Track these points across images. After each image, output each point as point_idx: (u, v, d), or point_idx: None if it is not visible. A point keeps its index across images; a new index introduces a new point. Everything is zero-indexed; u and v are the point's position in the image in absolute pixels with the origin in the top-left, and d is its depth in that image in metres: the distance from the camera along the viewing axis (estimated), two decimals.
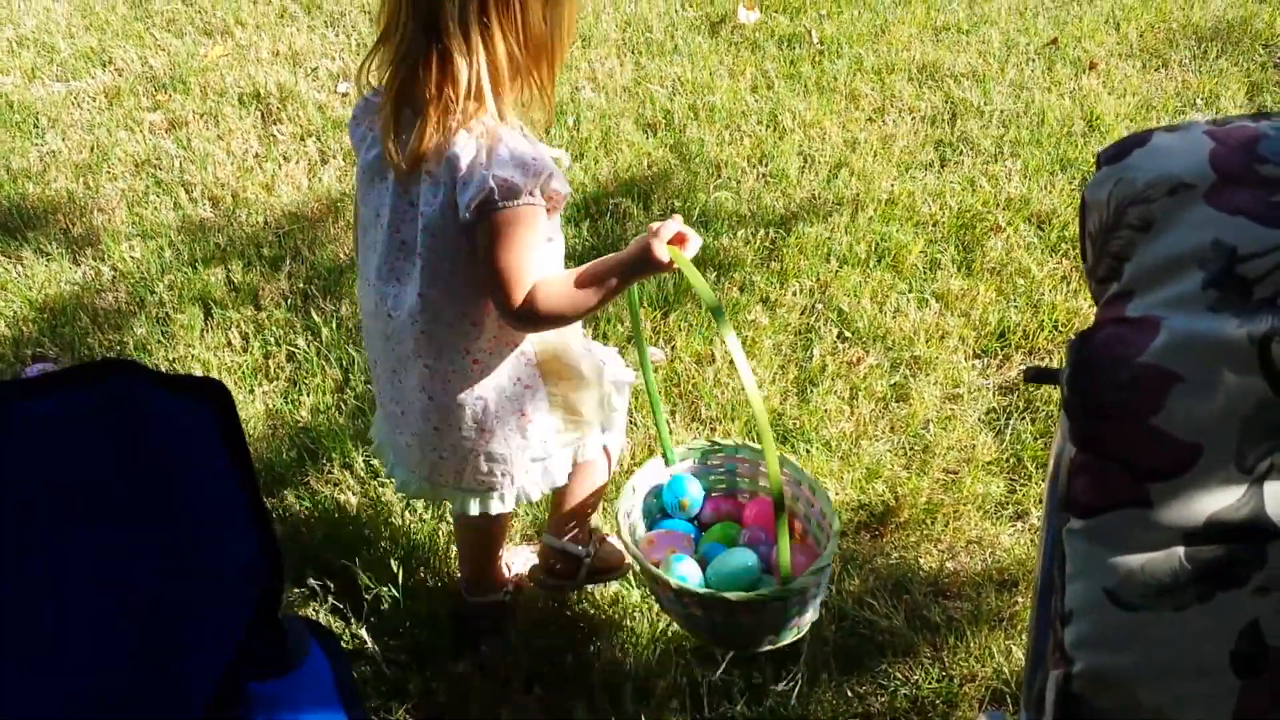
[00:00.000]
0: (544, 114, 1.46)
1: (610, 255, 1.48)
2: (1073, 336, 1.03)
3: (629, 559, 1.78)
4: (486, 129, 1.36)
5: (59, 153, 3.01)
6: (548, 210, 1.42)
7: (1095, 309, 1.07)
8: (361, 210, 1.52)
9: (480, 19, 1.31)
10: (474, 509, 1.62)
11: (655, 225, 1.45)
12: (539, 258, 1.43)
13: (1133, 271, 1.00)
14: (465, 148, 1.35)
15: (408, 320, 1.47)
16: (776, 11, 3.56)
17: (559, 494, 1.75)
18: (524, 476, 1.62)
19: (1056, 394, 2.29)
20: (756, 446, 1.79)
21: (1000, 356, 2.43)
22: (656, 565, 1.62)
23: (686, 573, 1.62)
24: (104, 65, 3.36)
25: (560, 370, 1.59)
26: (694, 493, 1.80)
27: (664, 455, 1.81)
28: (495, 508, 1.63)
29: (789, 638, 1.64)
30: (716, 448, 1.85)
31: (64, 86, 3.27)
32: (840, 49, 3.38)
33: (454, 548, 1.95)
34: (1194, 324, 0.94)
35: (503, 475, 1.60)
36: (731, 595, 1.54)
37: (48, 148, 3.03)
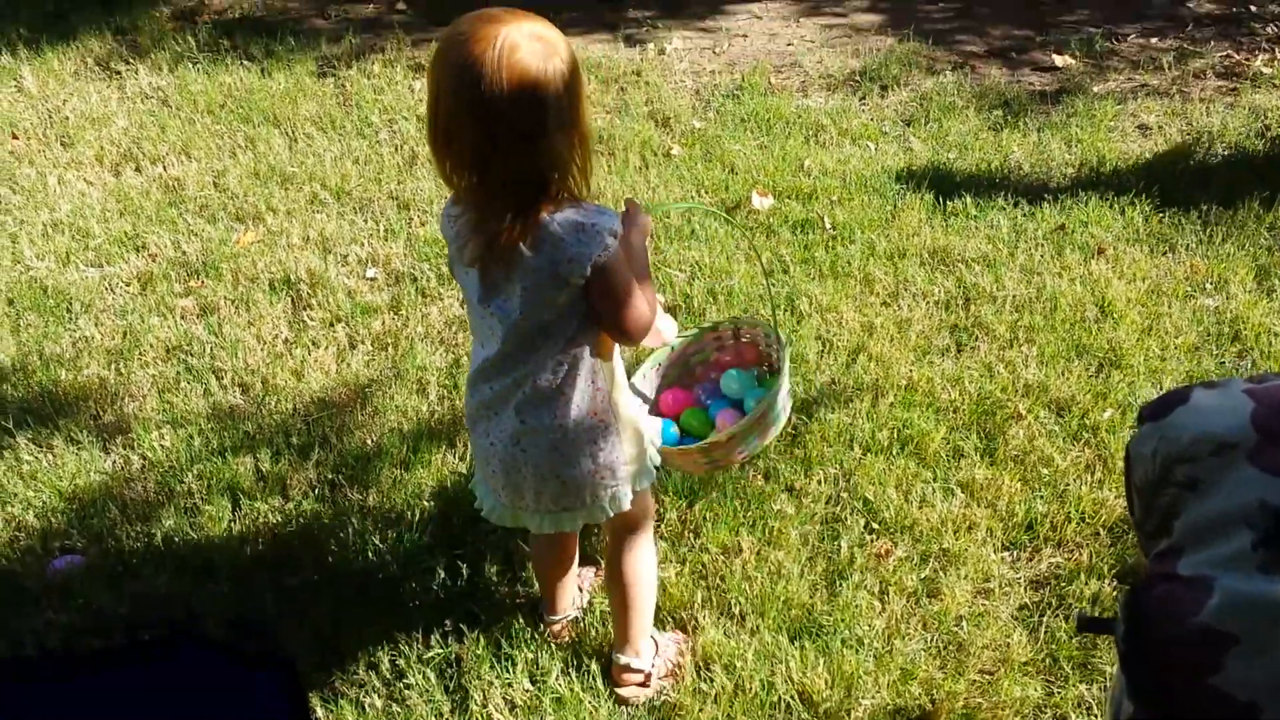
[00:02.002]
0: (587, 186, 1.68)
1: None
2: (1126, 591, 1.04)
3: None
4: (565, 206, 1.61)
5: (91, 338, 3.07)
6: None
7: (1145, 559, 1.09)
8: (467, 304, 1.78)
9: (551, 127, 1.54)
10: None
11: (624, 214, 1.76)
12: None
13: (1182, 529, 1.02)
14: (559, 225, 1.60)
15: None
16: (789, 198, 3.68)
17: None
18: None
19: (1087, 589, 2.29)
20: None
21: (1030, 549, 2.43)
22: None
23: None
24: (138, 250, 3.46)
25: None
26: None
27: None
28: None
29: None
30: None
31: (98, 271, 3.36)
32: (852, 234, 3.47)
33: None
34: (1247, 585, 0.96)
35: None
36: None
37: (80, 333, 3.10)
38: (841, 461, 2.63)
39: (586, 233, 1.61)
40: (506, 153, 1.54)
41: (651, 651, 2.16)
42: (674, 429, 2.24)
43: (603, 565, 2.19)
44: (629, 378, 2.18)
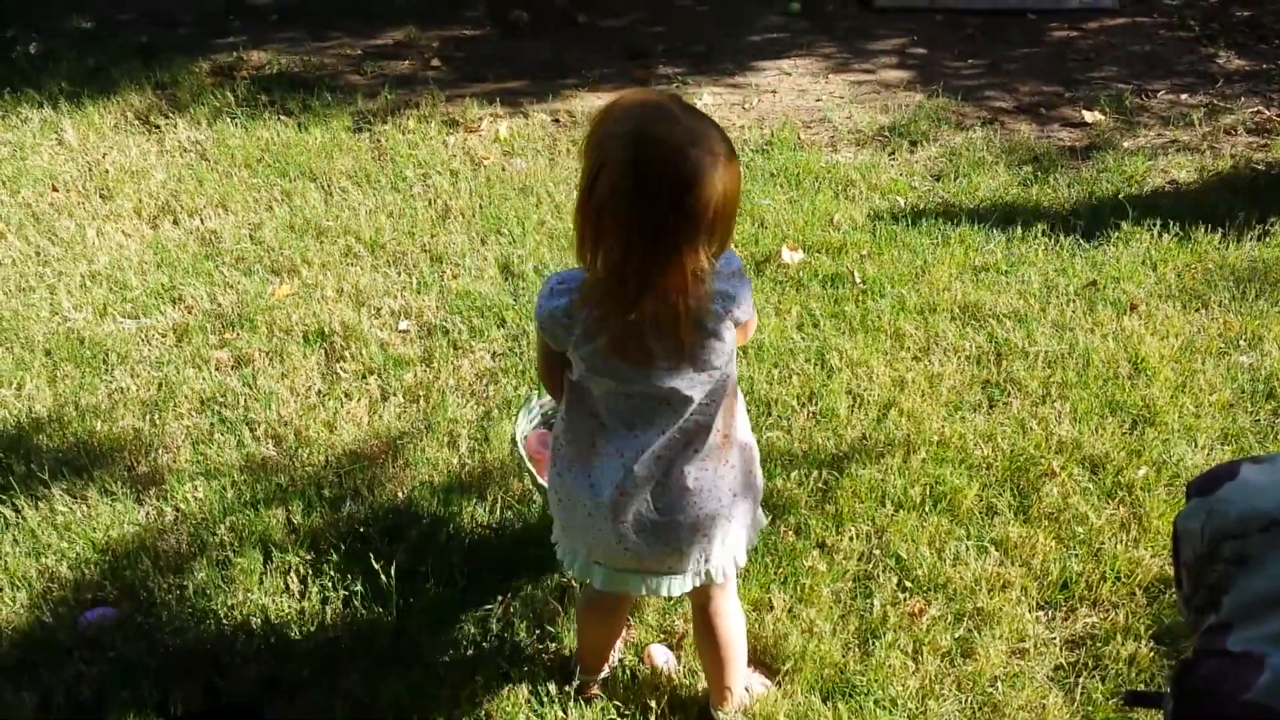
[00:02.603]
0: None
1: None
2: (1174, 667, 1.03)
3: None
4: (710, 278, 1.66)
5: (127, 389, 3.10)
6: None
7: (1192, 634, 1.08)
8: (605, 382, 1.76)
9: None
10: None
11: None
12: None
13: (1231, 605, 1.01)
14: (718, 301, 1.67)
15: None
16: (819, 252, 3.69)
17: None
18: None
19: (1124, 650, 2.25)
20: None
21: (1065, 609, 2.40)
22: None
23: None
24: (174, 302, 3.51)
25: None
26: None
27: None
28: None
29: None
30: None
31: (134, 323, 3.40)
32: (883, 289, 3.48)
33: None
34: None
35: None
36: None
37: (116, 384, 3.13)
38: (873, 518, 2.61)
39: None
40: None
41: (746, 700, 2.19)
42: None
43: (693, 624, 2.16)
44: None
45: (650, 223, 1.56)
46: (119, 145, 4.58)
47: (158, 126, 4.74)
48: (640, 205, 1.55)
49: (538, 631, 2.35)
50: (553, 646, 2.32)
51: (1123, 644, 2.29)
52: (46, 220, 4.03)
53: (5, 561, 2.53)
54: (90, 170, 4.38)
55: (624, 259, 1.59)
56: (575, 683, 2.22)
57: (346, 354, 3.22)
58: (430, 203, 4.06)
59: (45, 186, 4.29)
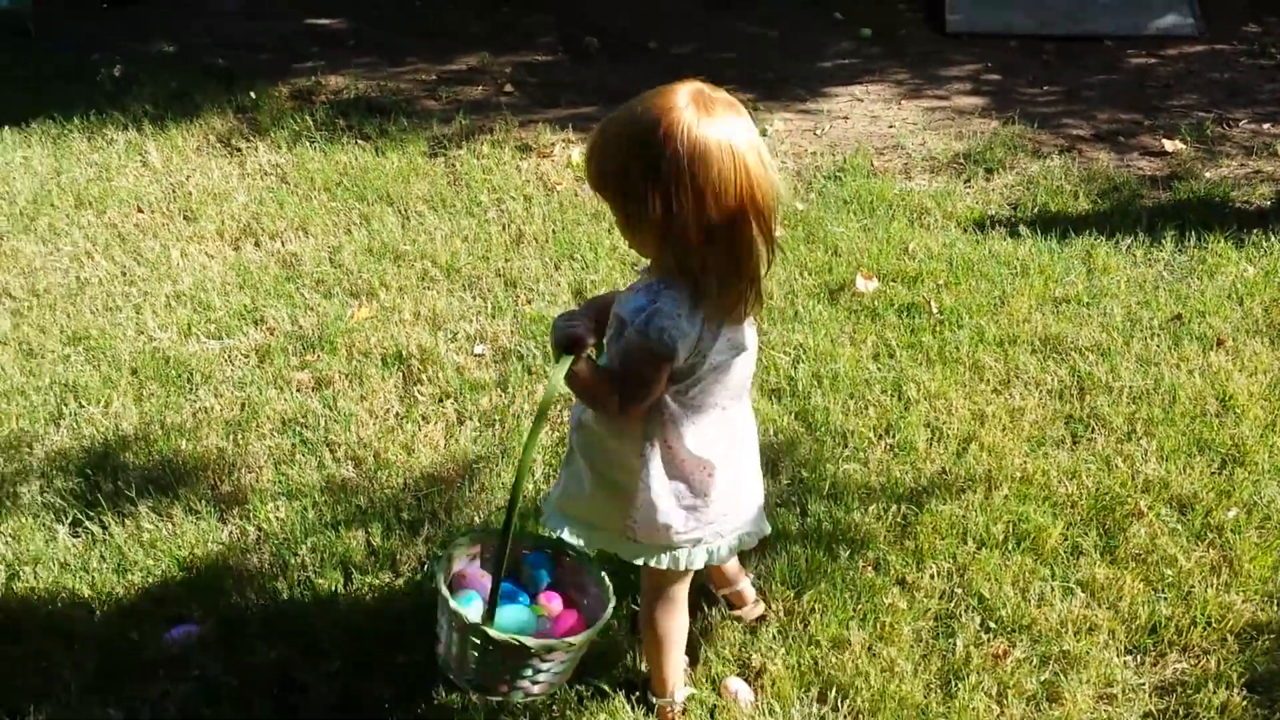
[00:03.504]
0: None
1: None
2: None
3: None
4: None
5: (211, 409, 3.16)
6: None
7: None
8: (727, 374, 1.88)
9: None
10: None
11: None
12: None
13: None
14: None
15: None
16: (894, 281, 3.66)
17: None
18: None
19: (1215, 698, 2.19)
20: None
21: (1154, 654, 2.34)
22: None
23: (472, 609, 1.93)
24: (256, 324, 3.57)
25: None
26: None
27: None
28: None
29: (517, 696, 1.96)
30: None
31: (218, 344, 3.47)
32: (960, 319, 3.44)
33: None
34: None
35: None
36: (491, 631, 1.83)
37: (200, 404, 3.19)
38: (955, 555, 2.57)
39: None
40: None
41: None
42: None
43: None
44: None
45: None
46: (202, 167, 4.68)
47: (239, 149, 4.84)
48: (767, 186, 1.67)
49: (605, 658, 2.34)
50: (624, 669, 2.31)
51: (1214, 691, 2.23)
52: (132, 241, 4.12)
53: (92, 577, 2.58)
54: (174, 192, 4.48)
55: (747, 251, 1.70)
56: (686, 694, 2.24)
57: (424, 377, 3.25)
58: (504, 227, 4.10)
59: (130, 207, 4.40)
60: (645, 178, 1.64)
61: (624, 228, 1.78)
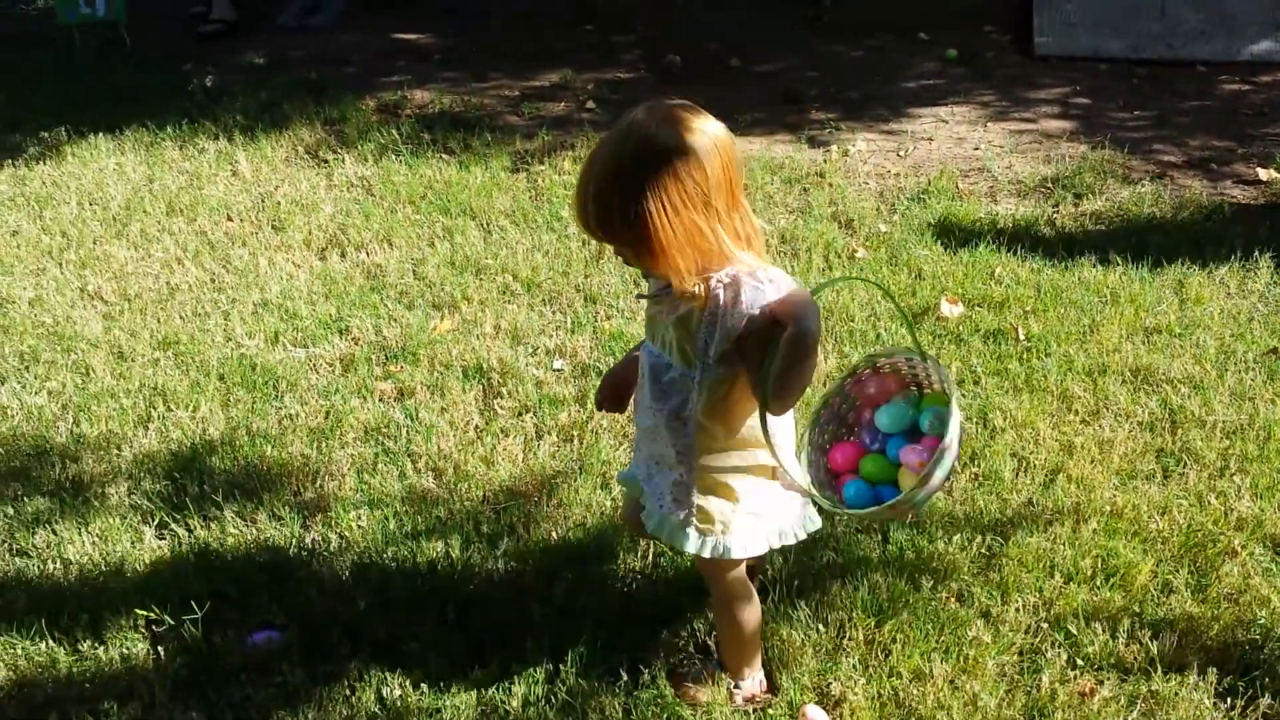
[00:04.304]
0: None
1: None
2: None
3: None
4: None
5: (296, 416, 3.21)
6: None
7: None
8: None
9: None
10: None
11: None
12: None
13: None
14: None
15: None
16: (979, 306, 3.61)
17: None
18: None
19: None
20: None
21: (1246, 696, 2.26)
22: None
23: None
24: (341, 333, 3.62)
25: None
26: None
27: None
28: None
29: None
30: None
31: (303, 352, 3.52)
32: (1048, 347, 3.37)
33: None
34: None
35: None
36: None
37: (286, 411, 3.24)
38: (1041, 589, 2.51)
39: None
40: None
41: None
42: (861, 484, 2.01)
43: None
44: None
45: None
46: (290, 178, 4.78)
47: (326, 161, 4.93)
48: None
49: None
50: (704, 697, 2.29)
51: None
52: (221, 248, 4.22)
53: (178, 580, 2.62)
54: (263, 201, 4.58)
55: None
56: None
57: (504, 391, 3.26)
58: (584, 243, 4.11)
59: (220, 216, 4.50)
60: (685, 189, 1.71)
61: (653, 247, 1.74)
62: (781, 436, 1.95)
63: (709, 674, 2.31)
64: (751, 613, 2.22)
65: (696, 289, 1.78)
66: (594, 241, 4.09)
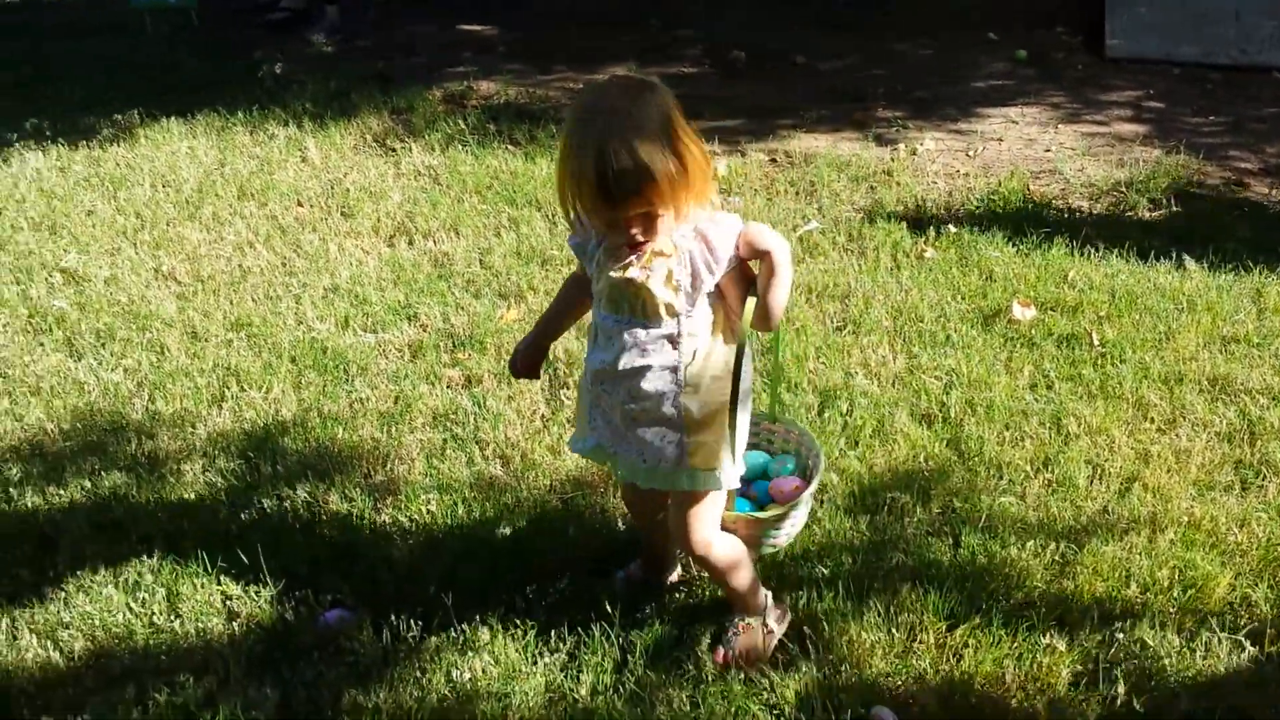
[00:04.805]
0: None
1: None
2: None
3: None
4: None
5: (366, 400, 3.24)
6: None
7: None
8: None
9: None
10: None
11: None
12: None
13: None
14: None
15: None
16: (1052, 310, 3.56)
17: None
18: None
19: None
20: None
21: None
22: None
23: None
24: (409, 319, 3.65)
25: None
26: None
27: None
28: None
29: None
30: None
31: (373, 337, 3.56)
32: (1123, 353, 3.32)
33: None
34: None
35: None
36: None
37: (356, 394, 3.27)
38: (1116, 598, 2.48)
39: None
40: None
41: None
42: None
43: None
44: None
45: None
46: (359, 165, 4.82)
47: (394, 150, 4.97)
48: None
49: (743, 675, 2.31)
50: (766, 688, 2.28)
51: None
52: (292, 233, 4.26)
53: (251, 557, 2.65)
54: (332, 188, 4.62)
55: None
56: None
57: (570, 381, 3.27)
58: None
59: (290, 201, 4.55)
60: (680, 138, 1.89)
61: (668, 196, 1.90)
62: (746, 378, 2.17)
63: (741, 629, 2.37)
64: (737, 545, 2.30)
65: (666, 246, 1.97)
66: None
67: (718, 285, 2.04)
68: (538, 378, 2.43)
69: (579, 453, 2.31)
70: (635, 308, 2.05)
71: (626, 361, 2.08)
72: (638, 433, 2.14)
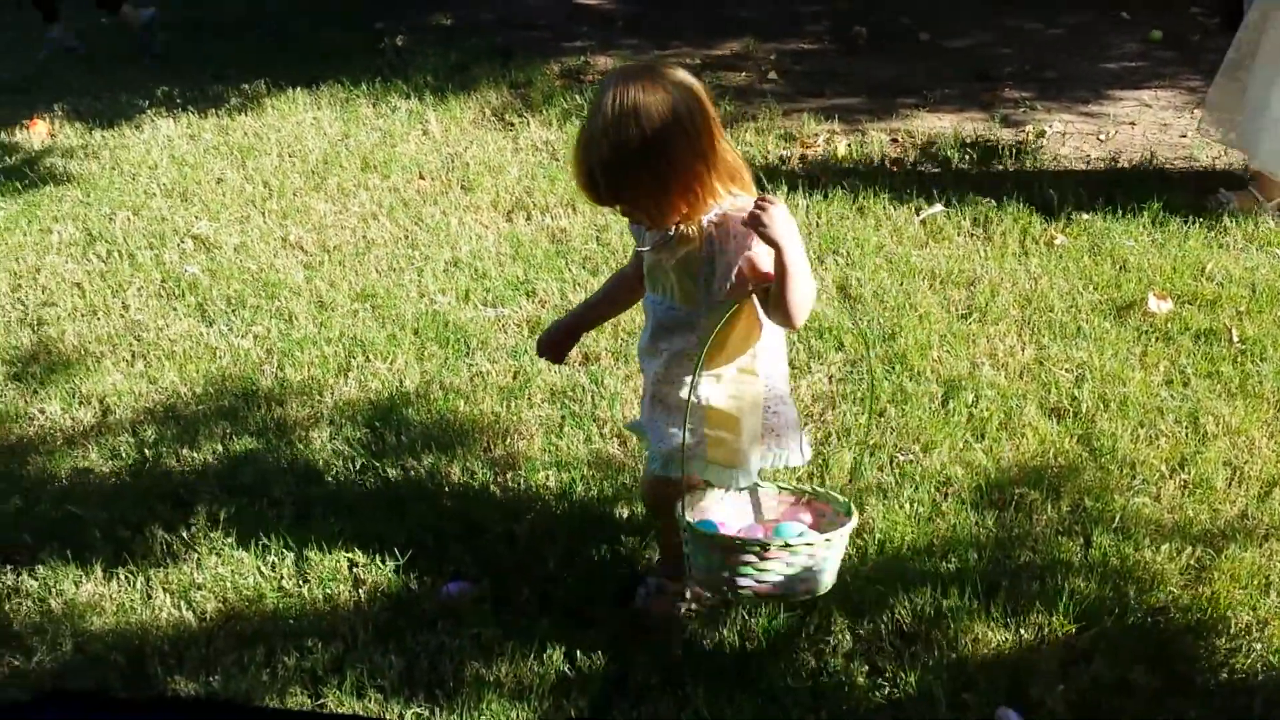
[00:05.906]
0: None
1: None
2: None
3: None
4: None
5: (486, 374, 3.28)
6: None
7: None
8: None
9: None
10: None
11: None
12: None
13: None
14: None
15: None
16: (1189, 303, 3.43)
17: None
18: None
19: None
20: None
21: None
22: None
23: None
24: (528, 295, 3.68)
25: None
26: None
27: None
28: None
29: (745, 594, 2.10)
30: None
31: (493, 311, 3.59)
32: (1264, 351, 3.18)
33: None
34: None
35: None
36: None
37: (477, 368, 3.31)
38: (1255, 607, 2.38)
39: None
40: None
41: None
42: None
43: None
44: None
45: None
46: (478, 140, 4.87)
47: (512, 124, 5.01)
48: None
49: (867, 667, 2.28)
50: (884, 686, 2.25)
51: None
52: (414, 206, 4.33)
53: (378, 525, 2.71)
54: (452, 162, 4.68)
55: None
56: None
57: None
58: None
59: (412, 174, 4.62)
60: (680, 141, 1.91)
61: (665, 200, 1.95)
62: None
63: (672, 588, 2.41)
64: None
65: (691, 232, 1.97)
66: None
67: (739, 275, 1.98)
68: (562, 362, 2.47)
69: (627, 429, 2.32)
70: (666, 288, 2.10)
71: (655, 341, 2.15)
72: (660, 414, 2.17)
